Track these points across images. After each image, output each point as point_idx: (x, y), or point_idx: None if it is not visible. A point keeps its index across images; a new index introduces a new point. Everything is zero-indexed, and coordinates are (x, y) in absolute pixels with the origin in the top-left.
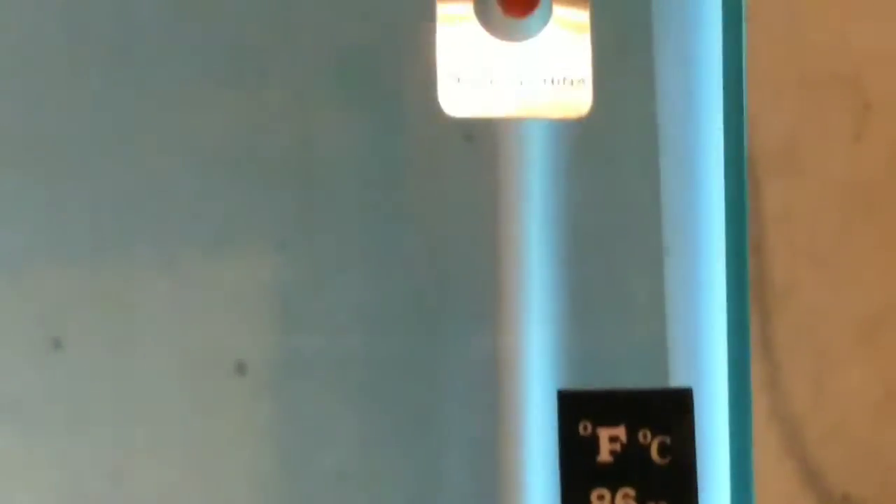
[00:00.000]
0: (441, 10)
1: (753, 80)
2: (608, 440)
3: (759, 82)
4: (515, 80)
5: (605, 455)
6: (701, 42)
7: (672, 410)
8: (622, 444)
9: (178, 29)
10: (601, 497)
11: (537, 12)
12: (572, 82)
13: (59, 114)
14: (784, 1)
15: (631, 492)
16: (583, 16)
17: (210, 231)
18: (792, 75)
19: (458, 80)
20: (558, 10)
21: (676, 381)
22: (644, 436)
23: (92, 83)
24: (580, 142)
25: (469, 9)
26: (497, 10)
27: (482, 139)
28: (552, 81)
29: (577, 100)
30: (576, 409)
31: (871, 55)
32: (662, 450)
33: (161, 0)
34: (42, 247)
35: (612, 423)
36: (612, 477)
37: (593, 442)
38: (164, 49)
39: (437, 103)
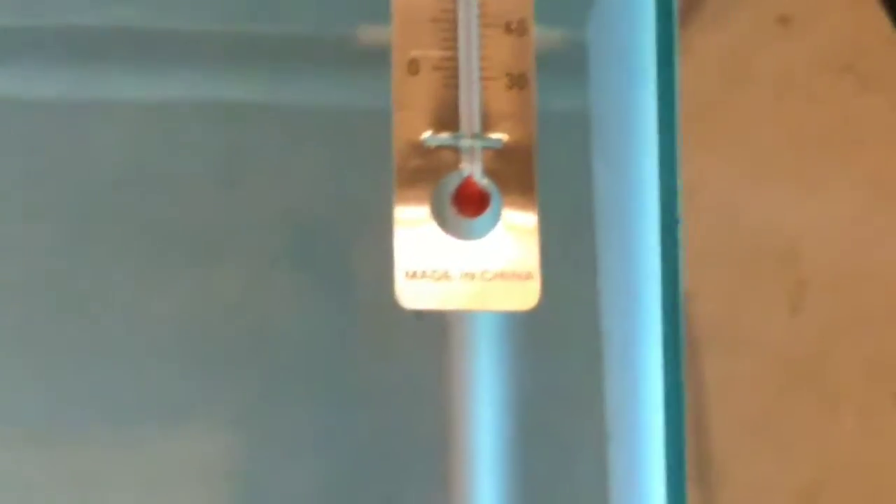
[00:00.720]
0: (399, 215)
1: (691, 258)
2: None
3: (697, 259)
4: (468, 276)
5: None
6: (640, 236)
7: None
8: None
9: (134, 210)
10: None
11: (488, 213)
12: (521, 277)
13: (12, 294)
14: (720, 180)
15: None
16: (530, 217)
17: (166, 410)
18: (729, 252)
19: (414, 274)
20: (507, 212)
21: None
22: None
23: (46, 263)
24: (528, 330)
25: (425, 211)
26: (451, 211)
27: (433, 322)
28: (502, 276)
29: (526, 293)
30: None
31: (806, 232)
32: None
33: (116, 180)
34: None
35: None
36: None
37: None
38: (120, 230)
39: (393, 294)
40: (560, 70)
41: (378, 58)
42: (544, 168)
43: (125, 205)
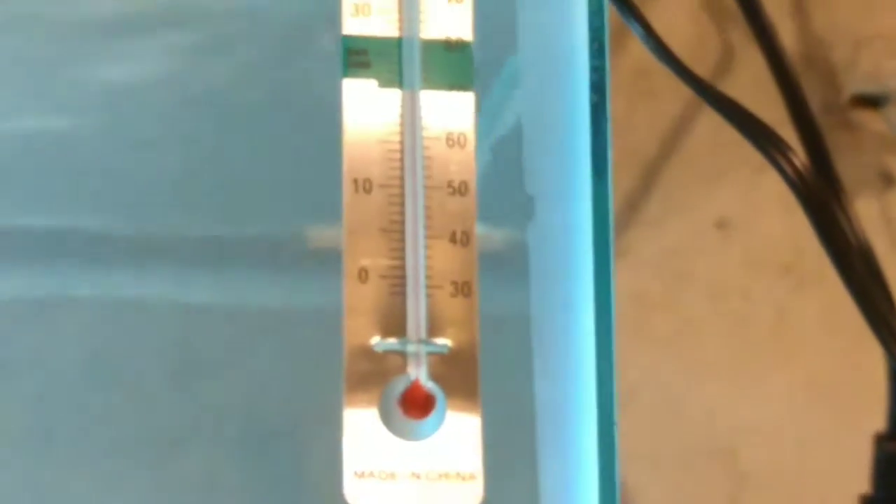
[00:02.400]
0: (348, 417)
1: (633, 454)
2: None
3: (639, 456)
4: (413, 476)
5: None
6: (579, 437)
7: None
8: None
9: (89, 406)
10: None
11: (433, 415)
12: (464, 477)
13: None
14: (661, 379)
15: None
16: (474, 420)
17: None
18: (670, 449)
19: (362, 474)
20: (452, 415)
21: None
22: None
23: (3, 457)
24: None
25: (374, 413)
26: (398, 413)
27: None
28: (446, 476)
29: (469, 493)
30: None
31: (744, 430)
32: None
33: (72, 377)
34: None
35: None
36: None
37: None
38: (76, 426)
39: (342, 495)
40: (502, 273)
41: (327, 259)
42: (487, 370)
43: (80, 401)
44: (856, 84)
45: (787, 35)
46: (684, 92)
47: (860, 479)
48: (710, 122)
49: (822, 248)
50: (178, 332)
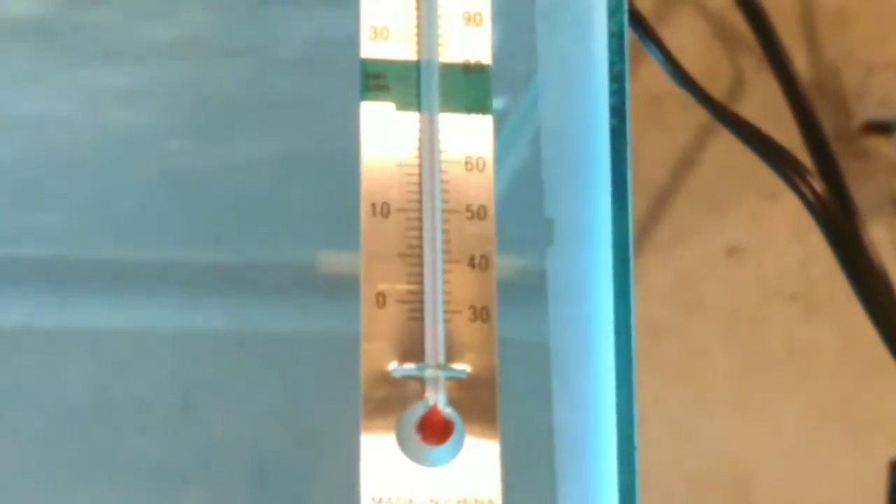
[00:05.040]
0: (365, 443)
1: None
2: None
3: (650, 485)
4: (432, 502)
5: None
6: (598, 463)
7: None
8: None
9: (96, 435)
10: None
11: (451, 441)
12: (482, 503)
13: None
14: (672, 406)
15: None
16: (492, 445)
17: None
18: (680, 478)
19: (380, 501)
20: (470, 441)
21: None
22: None
23: (12, 484)
24: None
25: (391, 439)
26: (416, 439)
27: None
28: (465, 502)
29: None
30: None
31: (755, 458)
32: None
33: (78, 405)
34: None
35: None
36: None
37: None
38: (83, 454)
39: None
40: (520, 300)
41: (337, 285)
42: (506, 396)
43: (85, 431)
44: (867, 111)
45: (799, 63)
46: (695, 120)
47: None
48: (721, 150)
49: (836, 273)
50: (185, 360)
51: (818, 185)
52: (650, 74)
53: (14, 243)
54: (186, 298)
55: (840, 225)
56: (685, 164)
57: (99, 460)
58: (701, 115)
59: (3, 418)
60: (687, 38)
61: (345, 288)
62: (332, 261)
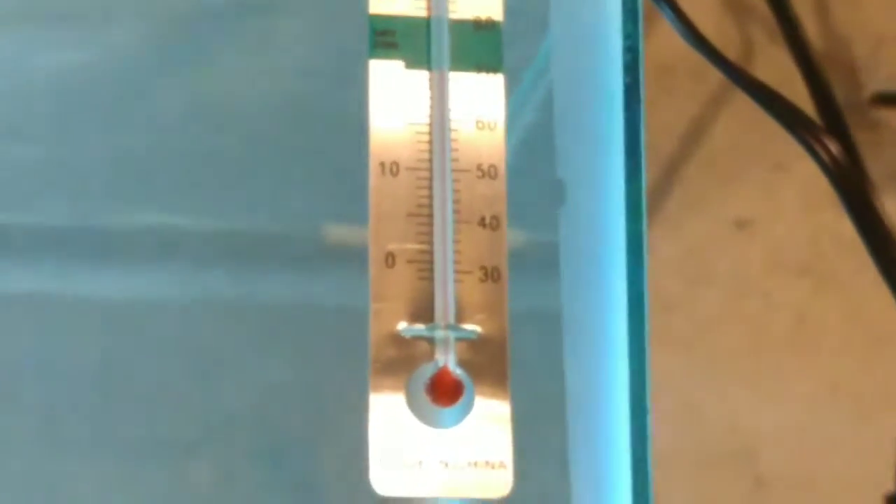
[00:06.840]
0: (374, 403)
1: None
2: None
3: (658, 458)
4: (441, 464)
5: None
6: (610, 429)
7: None
8: None
9: (105, 404)
10: None
11: (461, 402)
12: (493, 466)
13: None
14: (681, 380)
15: None
16: (503, 407)
17: None
18: (688, 451)
19: (389, 462)
20: (480, 402)
21: None
22: None
23: (18, 453)
24: None
25: (400, 400)
26: (426, 400)
27: None
28: (475, 465)
29: (499, 481)
30: None
31: (763, 432)
32: None
33: (87, 375)
34: None
35: None
36: None
37: None
38: (92, 425)
39: (368, 482)
40: (532, 269)
41: (345, 256)
42: (516, 361)
43: (91, 402)
44: (877, 83)
45: (810, 34)
46: (705, 91)
47: (881, 481)
48: (731, 122)
49: (846, 247)
50: (195, 329)
51: (834, 147)
52: (660, 44)
53: (20, 212)
54: (193, 267)
55: (856, 187)
56: (694, 135)
57: (104, 431)
58: (711, 86)
59: (5, 389)
60: (698, 8)
61: (353, 259)
62: (339, 232)
